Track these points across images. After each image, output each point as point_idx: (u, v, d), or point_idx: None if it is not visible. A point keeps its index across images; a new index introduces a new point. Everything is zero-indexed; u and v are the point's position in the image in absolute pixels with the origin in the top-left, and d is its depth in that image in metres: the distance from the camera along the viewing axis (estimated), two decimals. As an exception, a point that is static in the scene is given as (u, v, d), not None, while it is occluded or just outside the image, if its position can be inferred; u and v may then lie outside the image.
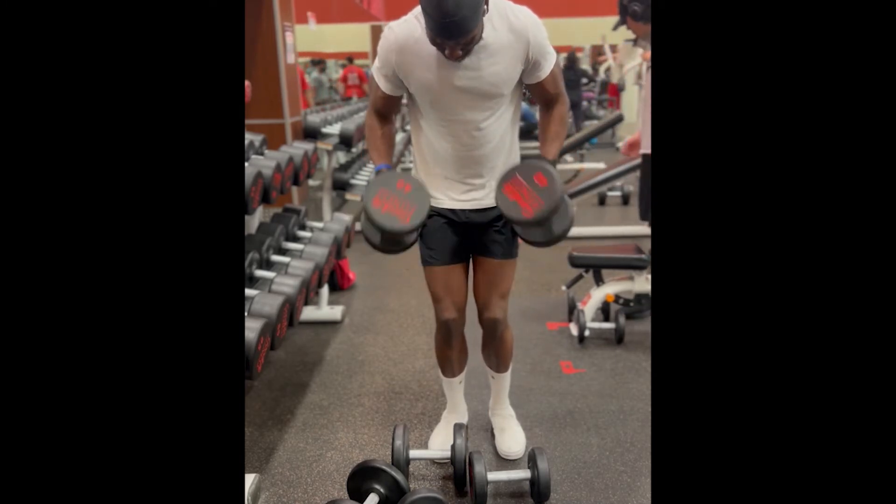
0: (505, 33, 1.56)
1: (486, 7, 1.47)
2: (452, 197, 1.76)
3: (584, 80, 9.41)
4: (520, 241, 1.81)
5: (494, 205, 1.75)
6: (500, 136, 1.70)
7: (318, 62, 11.02)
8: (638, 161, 4.25)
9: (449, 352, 1.95)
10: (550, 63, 1.65)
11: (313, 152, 2.97)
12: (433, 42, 1.50)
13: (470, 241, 1.83)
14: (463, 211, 1.77)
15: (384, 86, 1.69)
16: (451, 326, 1.87)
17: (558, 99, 1.73)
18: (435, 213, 1.78)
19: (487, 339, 1.94)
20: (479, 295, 1.87)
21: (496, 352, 1.95)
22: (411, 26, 1.58)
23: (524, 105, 8.33)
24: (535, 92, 1.72)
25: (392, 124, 1.81)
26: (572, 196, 4.31)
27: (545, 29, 1.61)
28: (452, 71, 1.57)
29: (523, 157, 1.78)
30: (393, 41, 1.60)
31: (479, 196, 1.75)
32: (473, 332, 2.01)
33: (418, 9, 1.53)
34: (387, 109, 1.76)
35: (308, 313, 3.07)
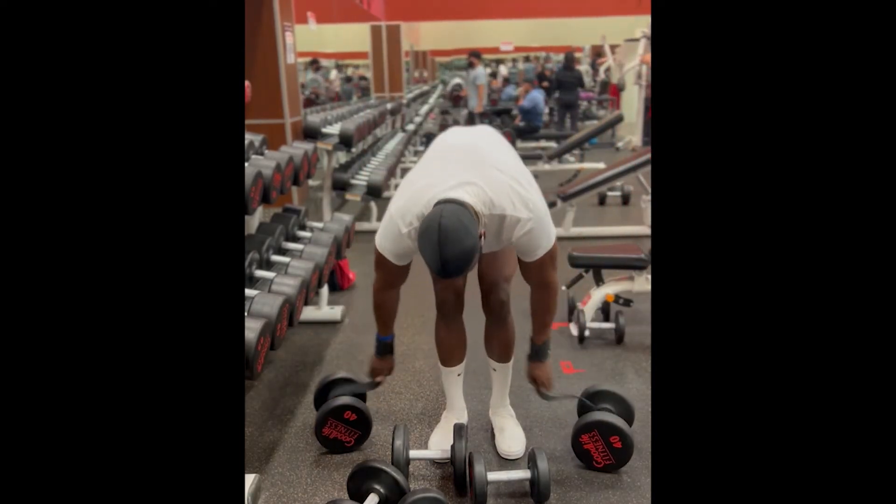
0: (493, 237, 1.62)
1: (482, 240, 1.51)
2: None
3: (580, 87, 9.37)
4: None
5: None
6: None
7: (314, 62, 11.05)
8: (637, 161, 4.26)
9: (448, 336, 1.97)
10: (537, 255, 1.66)
11: (313, 152, 2.97)
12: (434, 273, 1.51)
13: None
14: None
15: (396, 261, 1.69)
16: (450, 307, 1.90)
17: (545, 287, 1.76)
18: None
19: (491, 324, 1.95)
20: (483, 278, 1.90)
21: (499, 338, 1.96)
22: (415, 224, 1.58)
23: (524, 103, 8.33)
24: (520, 267, 1.75)
25: (398, 292, 1.85)
26: (572, 196, 4.31)
27: (545, 237, 1.62)
28: None
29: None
30: (406, 233, 1.59)
31: None
32: (474, 332, 2.02)
33: (417, 212, 1.56)
34: (399, 280, 1.79)
35: (308, 313, 3.06)
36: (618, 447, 1.84)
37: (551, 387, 1.90)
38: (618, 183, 4.84)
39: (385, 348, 1.92)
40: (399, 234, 1.61)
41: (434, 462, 1.95)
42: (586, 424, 1.85)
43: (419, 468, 1.94)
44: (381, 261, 1.72)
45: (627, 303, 2.86)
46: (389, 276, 1.75)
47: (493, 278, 1.88)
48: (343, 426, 1.99)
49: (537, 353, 1.86)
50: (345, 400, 2.00)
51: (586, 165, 6.49)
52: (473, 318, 2.01)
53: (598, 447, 1.85)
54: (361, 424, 2.00)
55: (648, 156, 4.14)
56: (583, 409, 2.01)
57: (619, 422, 1.85)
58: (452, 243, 1.40)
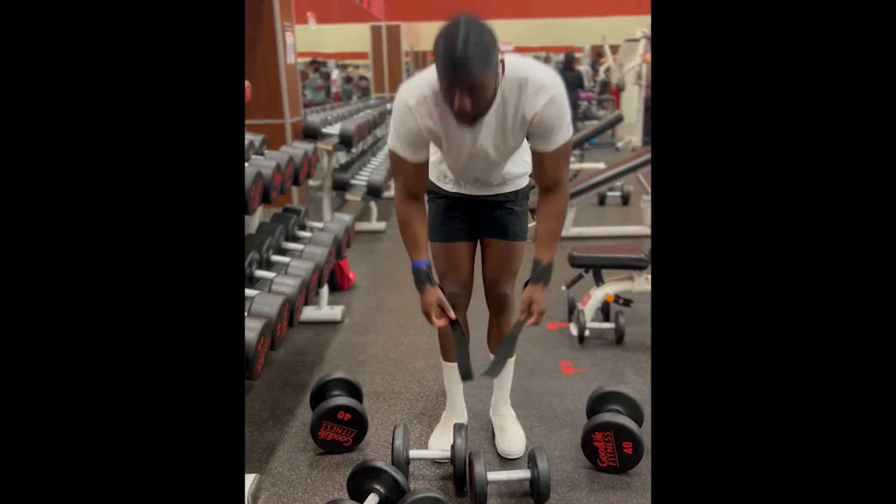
0: (511, 113, 1.55)
1: (500, 72, 1.46)
2: (463, 186, 1.81)
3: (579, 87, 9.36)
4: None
5: (504, 192, 1.81)
6: (511, 158, 1.73)
7: (312, 62, 11.07)
8: (637, 161, 4.26)
9: None
10: (553, 144, 1.58)
11: (313, 152, 2.98)
12: (445, 94, 1.45)
13: (478, 221, 1.86)
14: (473, 195, 1.82)
15: (411, 155, 1.62)
16: (454, 301, 1.89)
17: (557, 188, 1.66)
18: (443, 196, 1.83)
19: (494, 318, 1.95)
20: (487, 273, 1.90)
21: (502, 333, 1.96)
22: (425, 94, 1.55)
23: None
24: (534, 166, 1.69)
25: (423, 205, 1.75)
26: (572, 196, 4.31)
27: (565, 117, 1.55)
28: (465, 146, 1.59)
29: None
30: (414, 105, 1.56)
31: (489, 190, 1.80)
32: (475, 334, 2.01)
33: (430, 80, 1.52)
34: (419, 185, 1.70)
35: (308, 313, 3.07)
36: (627, 453, 1.84)
37: (540, 320, 1.75)
38: (618, 183, 4.85)
39: (422, 276, 1.71)
40: (407, 110, 1.56)
41: (434, 462, 1.95)
42: (604, 423, 1.85)
43: (419, 468, 1.94)
44: (394, 162, 1.66)
45: (627, 303, 2.85)
46: (407, 180, 1.66)
47: (496, 273, 1.88)
48: (339, 427, 1.99)
49: (542, 274, 1.68)
50: (337, 401, 2.00)
51: (586, 165, 6.49)
52: (476, 318, 2.01)
53: (607, 448, 1.85)
54: (357, 423, 2.00)
55: (648, 156, 4.14)
56: (592, 411, 2.00)
57: (637, 430, 1.84)
58: (468, 35, 1.34)
